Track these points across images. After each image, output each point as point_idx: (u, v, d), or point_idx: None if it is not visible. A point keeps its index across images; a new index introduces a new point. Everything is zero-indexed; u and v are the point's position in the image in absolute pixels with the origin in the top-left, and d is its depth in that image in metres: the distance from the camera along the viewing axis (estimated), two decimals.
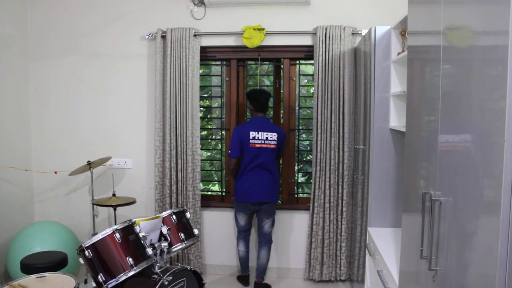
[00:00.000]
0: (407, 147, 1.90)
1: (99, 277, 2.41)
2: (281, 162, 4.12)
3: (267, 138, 3.52)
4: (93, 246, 2.46)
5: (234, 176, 3.67)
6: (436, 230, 1.42)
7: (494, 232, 1.03)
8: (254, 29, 3.71)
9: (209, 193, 4.33)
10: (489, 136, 1.09)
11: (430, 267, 1.43)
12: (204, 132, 4.26)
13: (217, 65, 4.16)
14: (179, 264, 2.69)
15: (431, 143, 1.53)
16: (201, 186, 4.04)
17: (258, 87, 3.93)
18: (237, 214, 3.68)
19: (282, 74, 3.98)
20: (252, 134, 3.51)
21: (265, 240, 3.70)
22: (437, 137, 1.45)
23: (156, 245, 2.65)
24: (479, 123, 1.15)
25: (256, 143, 3.50)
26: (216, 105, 4.23)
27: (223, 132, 4.10)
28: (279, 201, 3.94)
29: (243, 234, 3.73)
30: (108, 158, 3.78)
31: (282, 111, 4.02)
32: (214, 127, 4.27)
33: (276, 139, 3.54)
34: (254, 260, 3.87)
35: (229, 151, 3.59)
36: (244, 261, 3.74)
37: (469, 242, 1.21)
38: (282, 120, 4.03)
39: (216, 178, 4.44)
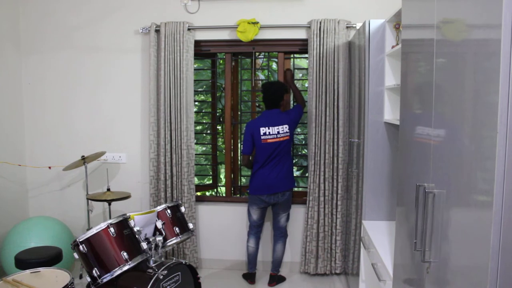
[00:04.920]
0: (401, 140, 1.90)
1: (94, 271, 2.41)
2: None
3: (278, 132, 3.45)
4: (87, 241, 2.45)
5: (250, 168, 3.63)
6: (430, 222, 1.43)
7: (487, 224, 1.04)
8: (249, 23, 3.69)
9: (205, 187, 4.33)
10: (482, 128, 1.10)
11: (424, 259, 1.44)
12: (199, 127, 4.25)
13: (211, 59, 4.14)
14: (174, 258, 2.69)
15: (424, 136, 1.53)
16: (196, 180, 4.04)
17: (269, 80, 3.73)
18: (250, 208, 3.62)
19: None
20: (263, 130, 3.44)
21: (281, 234, 3.69)
22: (430, 130, 1.46)
23: (151, 239, 2.65)
24: (472, 116, 1.16)
25: (268, 139, 3.43)
26: (210, 99, 4.22)
27: (218, 127, 4.09)
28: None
29: (254, 229, 3.66)
30: (102, 153, 3.76)
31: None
32: (209, 121, 4.27)
33: (288, 130, 3.48)
34: (264, 256, 3.91)
35: (242, 148, 3.57)
36: (252, 258, 3.68)
37: (462, 233, 1.22)
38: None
39: (210, 173, 4.44)
